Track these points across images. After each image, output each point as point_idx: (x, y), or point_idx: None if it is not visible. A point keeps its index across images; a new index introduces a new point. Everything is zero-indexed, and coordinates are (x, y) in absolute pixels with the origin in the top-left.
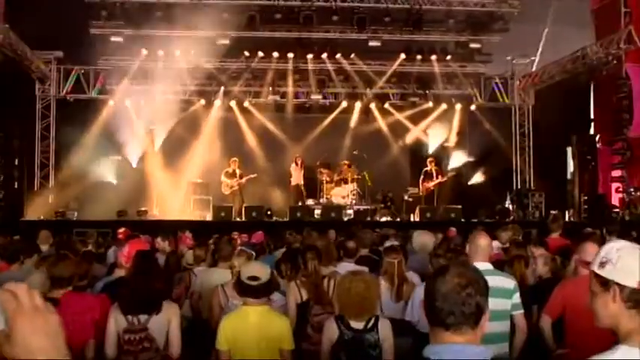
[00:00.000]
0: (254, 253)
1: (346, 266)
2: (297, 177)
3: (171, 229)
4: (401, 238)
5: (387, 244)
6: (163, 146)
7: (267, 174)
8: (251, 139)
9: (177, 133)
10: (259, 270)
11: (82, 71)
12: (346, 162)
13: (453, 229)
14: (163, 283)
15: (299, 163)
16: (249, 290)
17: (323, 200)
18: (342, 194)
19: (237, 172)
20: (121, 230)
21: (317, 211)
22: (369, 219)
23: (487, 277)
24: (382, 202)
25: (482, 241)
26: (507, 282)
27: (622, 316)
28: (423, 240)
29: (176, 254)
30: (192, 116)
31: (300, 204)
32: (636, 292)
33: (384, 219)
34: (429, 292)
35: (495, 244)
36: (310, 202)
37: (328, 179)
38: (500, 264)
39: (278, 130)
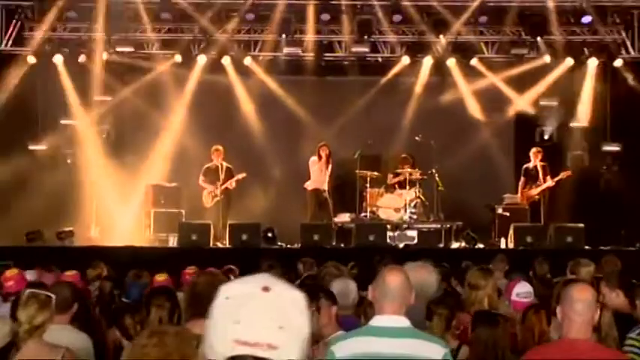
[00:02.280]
0: (53, 297)
1: None
2: (318, 177)
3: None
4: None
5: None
6: (113, 129)
7: (274, 173)
8: (252, 118)
9: (134, 109)
10: None
11: None
12: (405, 155)
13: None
14: None
15: (323, 155)
16: None
17: (365, 215)
18: (396, 205)
19: (223, 166)
20: None
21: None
22: (441, 245)
23: (399, 342)
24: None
25: (394, 280)
26: (432, 350)
27: None
28: (420, 278)
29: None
30: (159, 81)
31: (323, 221)
32: None
33: (455, 245)
34: None
35: (523, 288)
36: (344, 217)
37: (374, 181)
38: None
39: (295, 102)
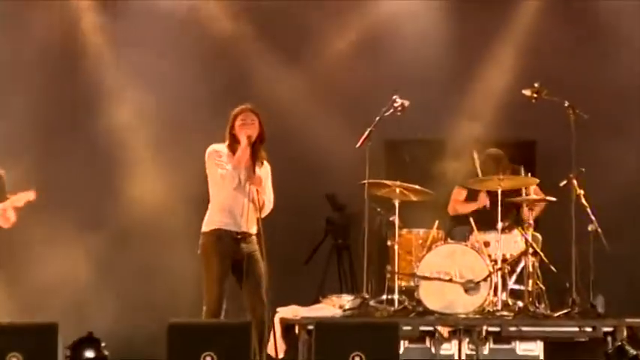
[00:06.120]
0: None
1: None
2: (233, 197)
3: None
4: None
5: None
6: None
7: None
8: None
9: None
10: None
11: None
12: (495, 150)
13: None
14: None
15: (243, 138)
16: None
17: (390, 297)
18: (470, 272)
19: None
20: None
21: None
22: None
23: None
24: None
25: None
26: None
27: None
28: None
29: None
30: None
31: (245, 318)
32: None
33: None
34: None
35: None
36: (340, 304)
37: (410, 210)
38: None
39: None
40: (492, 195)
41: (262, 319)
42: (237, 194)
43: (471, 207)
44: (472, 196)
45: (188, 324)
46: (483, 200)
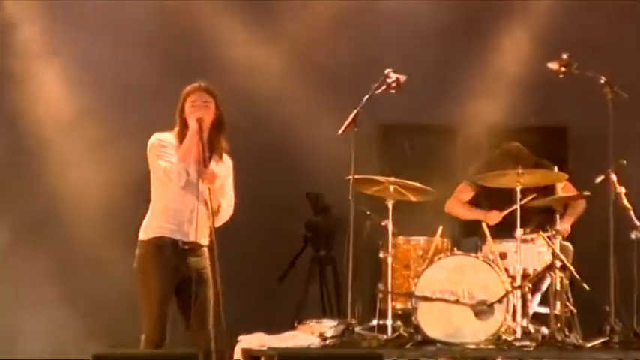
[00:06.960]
0: None
1: None
2: (179, 198)
3: None
4: None
5: None
6: None
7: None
8: None
9: None
10: None
11: None
12: (515, 143)
13: None
14: None
15: (192, 123)
16: None
17: (382, 322)
18: (481, 292)
19: None
20: None
21: None
22: None
23: None
24: None
25: None
26: None
27: None
28: None
29: None
30: None
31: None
32: None
33: None
34: None
35: None
36: (321, 330)
37: (408, 212)
38: None
39: None
40: (507, 198)
41: (207, 353)
42: (186, 194)
43: (472, 215)
44: (482, 198)
45: (116, 355)
46: (493, 218)
